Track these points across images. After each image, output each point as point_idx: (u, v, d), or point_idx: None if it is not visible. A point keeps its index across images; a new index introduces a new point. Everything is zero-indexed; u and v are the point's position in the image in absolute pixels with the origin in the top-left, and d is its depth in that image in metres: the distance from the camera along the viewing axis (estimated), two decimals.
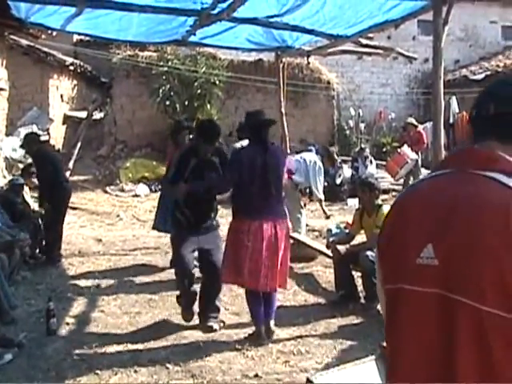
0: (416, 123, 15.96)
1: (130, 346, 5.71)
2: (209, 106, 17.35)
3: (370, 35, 9.32)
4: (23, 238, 7.93)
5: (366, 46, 9.42)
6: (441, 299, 1.45)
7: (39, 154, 9.08)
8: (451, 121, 19.20)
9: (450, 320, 1.44)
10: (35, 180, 9.56)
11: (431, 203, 1.54)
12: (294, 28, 8.03)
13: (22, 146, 9.55)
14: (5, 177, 12.54)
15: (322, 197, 9.77)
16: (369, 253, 6.63)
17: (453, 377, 1.44)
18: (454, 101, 19.49)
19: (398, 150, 14.78)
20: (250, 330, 6.11)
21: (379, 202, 7.26)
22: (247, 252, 5.63)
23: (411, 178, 15.09)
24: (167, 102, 16.94)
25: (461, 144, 18.69)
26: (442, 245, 1.47)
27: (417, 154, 14.85)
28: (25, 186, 9.48)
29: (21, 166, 13.51)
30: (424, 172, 14.96)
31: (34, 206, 9.62)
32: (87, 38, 16.83)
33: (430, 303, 1.47)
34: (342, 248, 7.41)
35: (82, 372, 5.19)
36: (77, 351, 5.62)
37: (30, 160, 11.61)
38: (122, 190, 15.86)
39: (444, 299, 1.44)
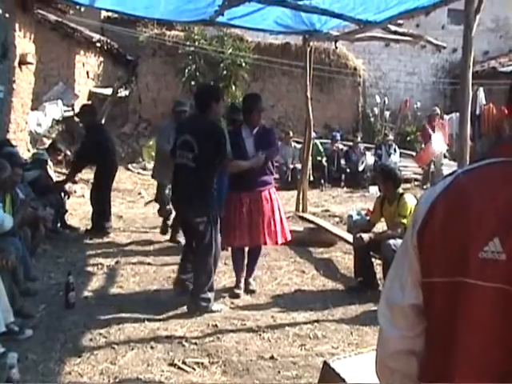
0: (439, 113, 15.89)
1: (147, 323, 5.75)
2: (234, 87, 17.31)
3: (400, 22, 9.22)
4: (48, 213, 7.95)
5: (395, 32, 9.31)
6: (503, 294, 1.39)
7: (92, 125, 9.52)
8: (478, 112, 19.02)
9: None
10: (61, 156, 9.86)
11: (494, 194, 1.44)
12: (323, 12, 7.96)
13: (77, 115, 9.87)
14: (29, 150, 12.63)
15: None
16: (391, 241, 6.55)
17: None
18: (481, 92, 19.29)
19: (431, 140, 14.70)
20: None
21: (400, 190, 7.19)
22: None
23: (432, 167, 15.04)
24: (192, 82, 16.92)
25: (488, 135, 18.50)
26: (509, 239, 1.40)
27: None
28: (49, 161, 9.57)
29: (45, 140, 13.66)
30: (446, 162, 14.88)
31: (57, 180, 9.73)
32: (115, 15, 16.86)
33: (493, 298, 1.41)
34: (363, 236, 7.33)
35: (99, 345, 5.24)
36: (94, 325, 5.67)
37: (54, 135, 11.76)
38: (144, 169, 15.92)
39: (507, 294, 1.38)
